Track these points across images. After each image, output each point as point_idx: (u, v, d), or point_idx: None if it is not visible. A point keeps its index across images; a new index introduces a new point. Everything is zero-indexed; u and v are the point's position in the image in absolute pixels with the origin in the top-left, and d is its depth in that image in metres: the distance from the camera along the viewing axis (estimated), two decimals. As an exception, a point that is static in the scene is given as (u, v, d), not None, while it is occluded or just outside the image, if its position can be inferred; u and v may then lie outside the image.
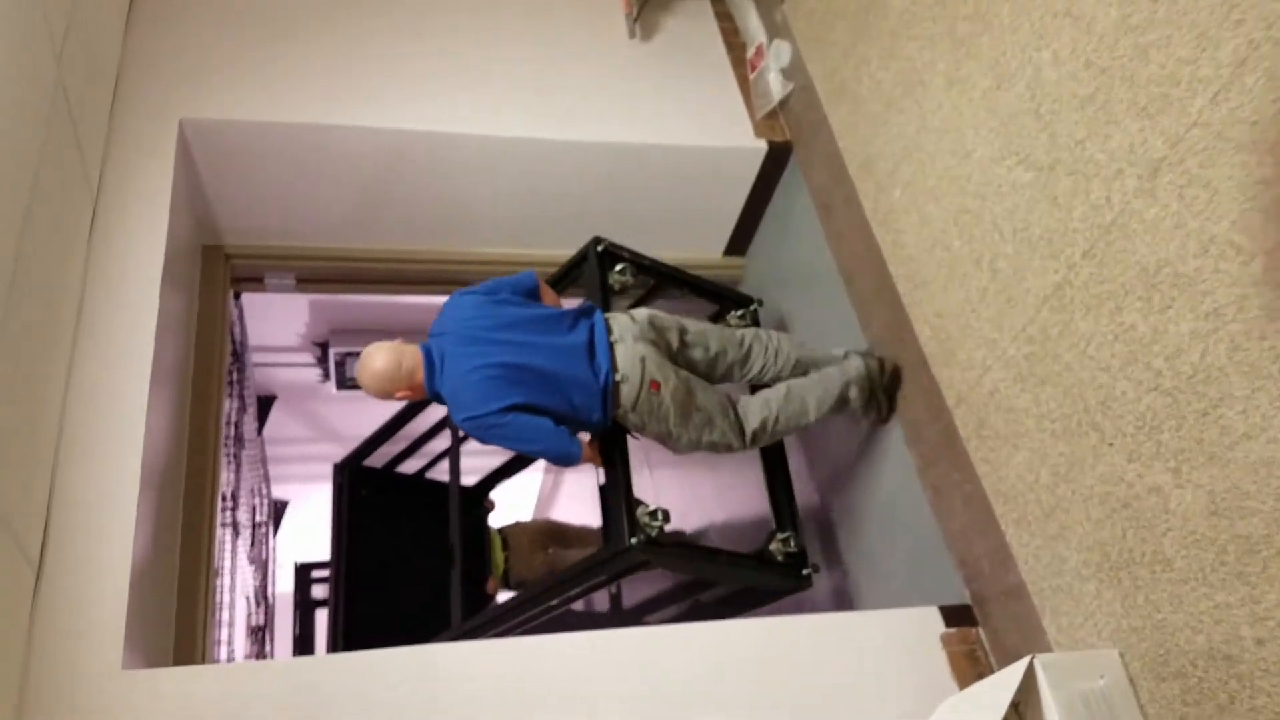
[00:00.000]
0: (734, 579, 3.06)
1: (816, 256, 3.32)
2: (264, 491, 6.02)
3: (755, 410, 2.83)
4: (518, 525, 4.48)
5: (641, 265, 3.21)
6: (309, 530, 7.17)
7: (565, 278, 3.25)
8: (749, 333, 2.99)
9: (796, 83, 3.37)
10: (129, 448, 2.30)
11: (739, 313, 3.37)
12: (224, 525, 4.64)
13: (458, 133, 3.11)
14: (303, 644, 6.04)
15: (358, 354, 2.71)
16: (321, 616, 6.20)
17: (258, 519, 5.78)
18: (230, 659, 4.08)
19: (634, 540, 2.61)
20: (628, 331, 2.70)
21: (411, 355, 2.60)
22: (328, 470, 4.33)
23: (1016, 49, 2.22)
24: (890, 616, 2.49)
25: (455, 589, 3.66)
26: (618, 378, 2.63)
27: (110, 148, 2.74)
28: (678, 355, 2.81)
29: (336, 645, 4.03)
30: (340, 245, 3.45)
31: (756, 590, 3.12)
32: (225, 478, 4.15)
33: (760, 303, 3.41)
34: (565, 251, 3.25)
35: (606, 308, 2.98)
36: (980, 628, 2.45)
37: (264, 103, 2.97)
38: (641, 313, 2.79)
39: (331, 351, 5.28)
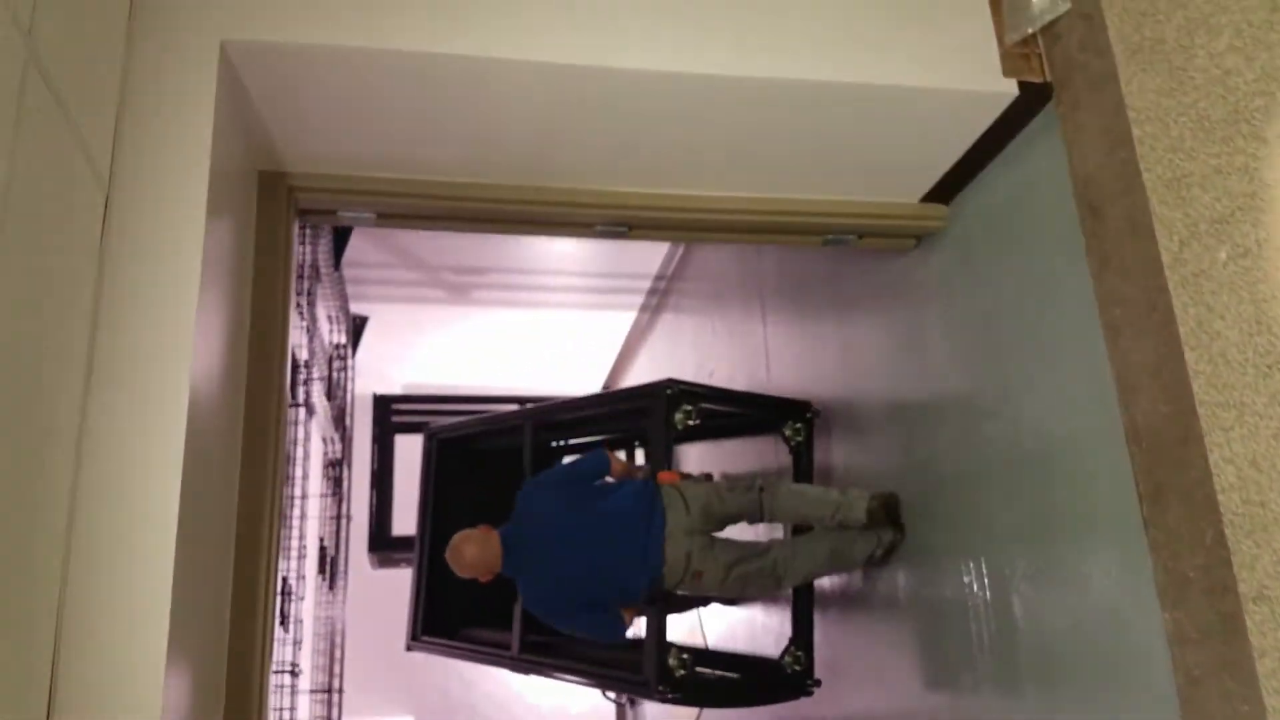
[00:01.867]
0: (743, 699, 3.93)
1: (1061, 263, 2.45)
2: (342, 316, 5.59)
3: (795, 571, 3.35)
4: None
5: (705, 406, 3.79)
6: (391, 356, 6.82)
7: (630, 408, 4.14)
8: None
9: (1075, 6, 2.34)
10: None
11: (795, 424, 3.86)
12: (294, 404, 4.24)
13: (627, 69, 2.25)
14: (380, 478, 5.86)
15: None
16: (402, 441, 6.02)
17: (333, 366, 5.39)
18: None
19: (660, 687, 3.39)
20: (679, 526, 3.16)
21: (493, 549, 3.20)
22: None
23: None
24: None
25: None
26: (665, 571, 3.15)
27: (129, 87, 1.99)
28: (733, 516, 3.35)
29: (420, 588, 4.82)
30: (433, 178, 2.69)
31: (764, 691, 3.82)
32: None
33: (818, 413, 3.86)
34: (719, 193, 2.77)
35: (668, 454, 3.71)
36: None
37: (342, 24, 2.13)
38: (696, 501, 3.22)
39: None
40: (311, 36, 2.13)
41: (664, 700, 3.46)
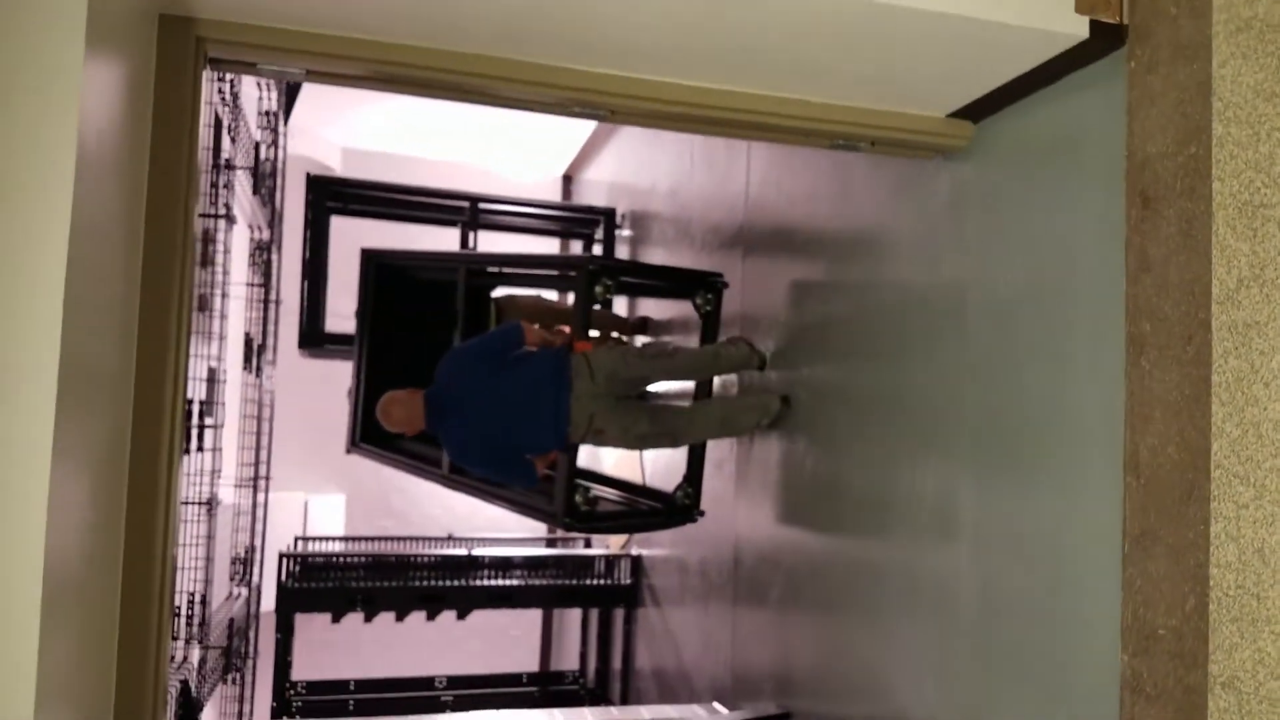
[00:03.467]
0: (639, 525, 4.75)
1: (1091, 235, 2.17)
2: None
3: (691, 433, 3.91)
4: (510, 298, 5.11)
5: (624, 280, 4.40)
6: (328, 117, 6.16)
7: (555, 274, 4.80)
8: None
9: (1182, -60, 1.90)
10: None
11: (706, 293, 4.30)
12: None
13: None
14: (313, 268, 5.50)
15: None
16: (338, 224, 5.70)
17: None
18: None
19: (566, 519, 4.04)
20: (585, 391, 3.55)
21: (417, 409, 3.57)
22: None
23: None
24: None
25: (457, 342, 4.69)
26: (570, 429, 3.57)
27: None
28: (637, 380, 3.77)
29: (358, 399, 4.96)
30: (378, 38, 2.21)
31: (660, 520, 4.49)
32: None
33: (726, 284, 4.36)
34: (716, 85, 2.39)
35: (587, 321, 4.23)
36: None
37: None
38: (602, 369, 3.59)
39: None
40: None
41: (568, 529, 4.21)
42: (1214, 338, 1.81)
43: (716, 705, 4.29)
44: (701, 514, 4.35)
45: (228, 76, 3.93)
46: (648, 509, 4.59)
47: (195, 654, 4.12)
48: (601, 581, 5.73)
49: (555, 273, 4.87)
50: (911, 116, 2.54)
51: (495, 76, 2.31)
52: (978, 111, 2.51)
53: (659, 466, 5.22)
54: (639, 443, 3.79)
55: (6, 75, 1.56)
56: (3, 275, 1.51)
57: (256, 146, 4.81)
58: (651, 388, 4.24)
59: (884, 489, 3.01)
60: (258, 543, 5.78)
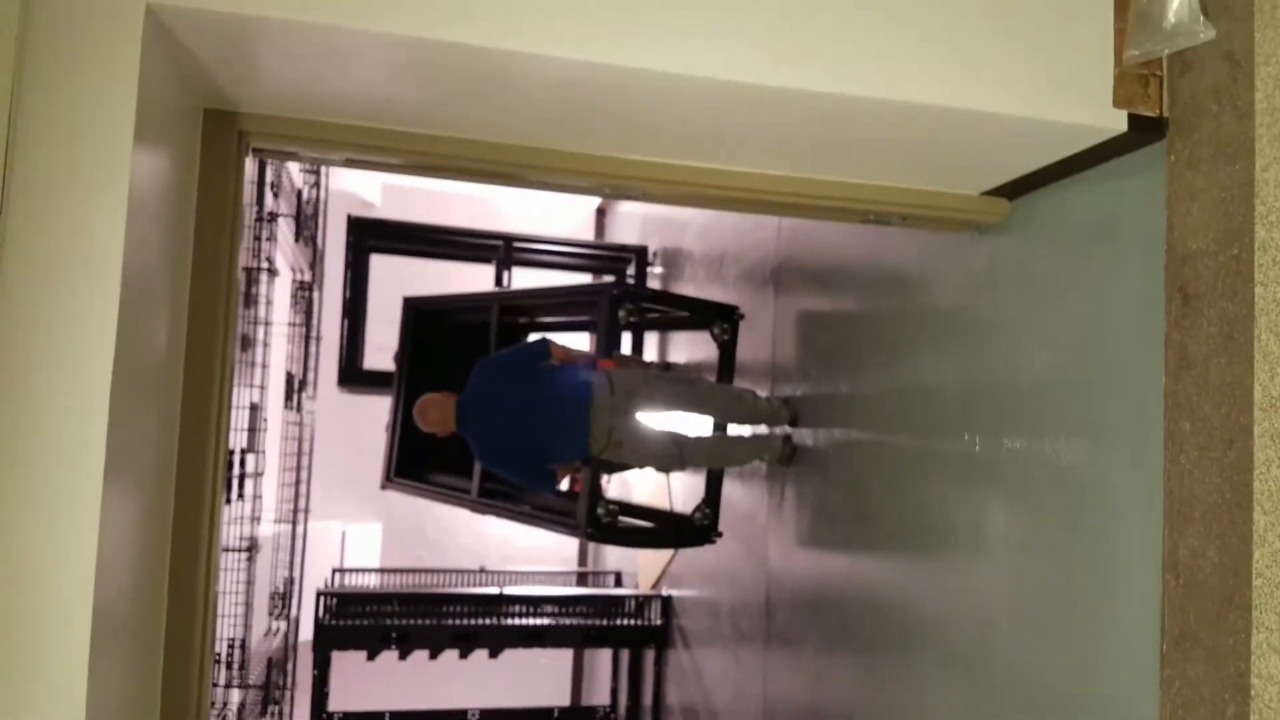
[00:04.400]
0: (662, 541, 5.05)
1: (1129, 320, 2.15)
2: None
3: (698, 461, 4.09)
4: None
5: (645, 309, 4.65)
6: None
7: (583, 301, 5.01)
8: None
9: (1219, 40, 1.89)
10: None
11: (723, 323, 4.52)
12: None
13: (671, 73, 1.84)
14: (353, 306, 5.59)
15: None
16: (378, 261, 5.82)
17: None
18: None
19: (589, 530, 4.21)
20: (605, 404, 3.72)
21: (449, 411, 3.81)
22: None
23: None
24: None
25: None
26: (590, 440, 3.71)
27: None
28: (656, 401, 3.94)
29: (394, 437, 5.18)
30: (417, 130, 2.25)
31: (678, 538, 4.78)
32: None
33: (742, 316, 4.56)
34: (749, 169, 2.41)
35: (615, 346, 4.46)
36: None
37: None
38: (622, 385, 3.79)
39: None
40: (261, 8, 1.67)
41: (589, 539, 4.48)
42: (1255, 444, 1.79)
43: (748, 757, 4.28)
44: (719, 535, 4.46)
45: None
46: (666, 528, 4.81)
47: (235, 697, 4.18)
48: (632, 622, 5.73)
49: (583, 299, 4.99)
50: (944, 195, 2.53)
51: (531, 165, 2.34)
52: (1013, 190, 2.49)
53: (688, 495, 5.25)
54: (653, 461, 3.96)
55: (62, 163, 1.63)
56: (57, 334, 1.59)
57: (299, 193, 4.89)
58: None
59: (916, 542, 3.00)
60: (296, 575, 5.87)
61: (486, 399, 3.81)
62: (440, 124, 2.23)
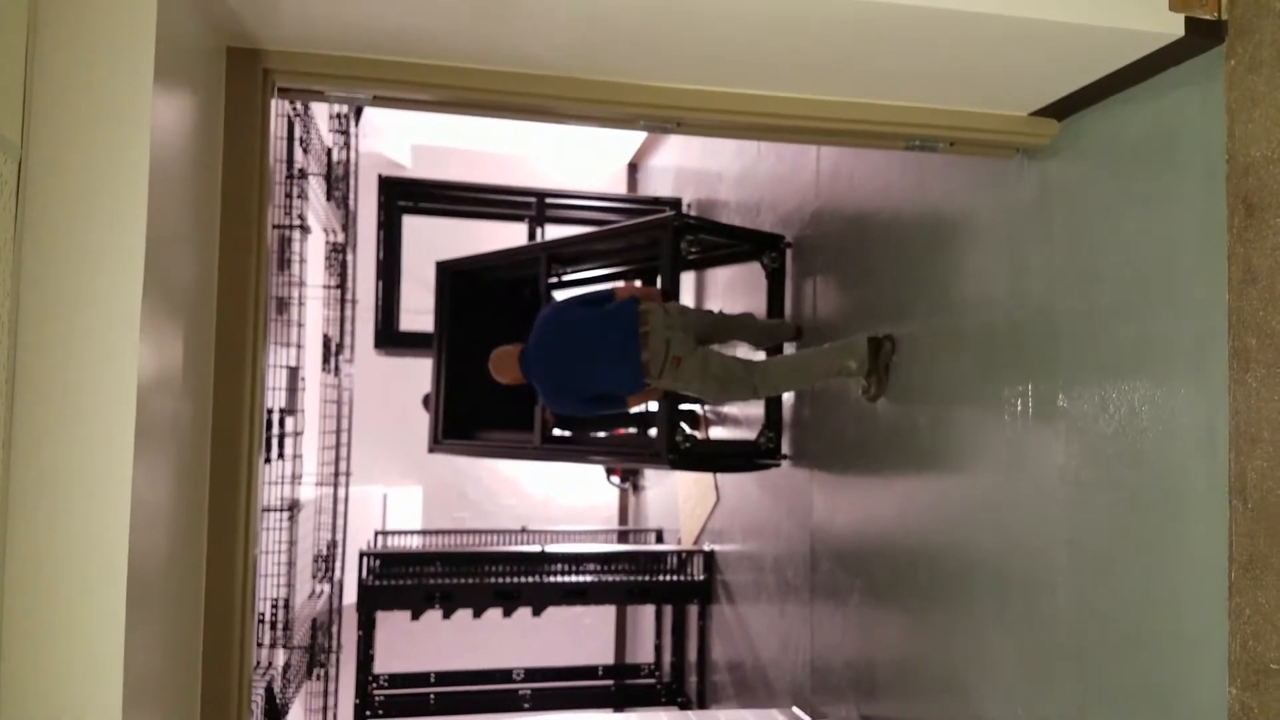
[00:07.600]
0: (732, 465, 4.92)
1: (1189, 231, 2.05)
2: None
3: (770, 380, 3.83)
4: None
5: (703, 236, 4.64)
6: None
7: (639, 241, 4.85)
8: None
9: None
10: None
11: (773, 253, 4.62)
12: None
13: None
14: (387, 267, 5.57)
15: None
16: (410, 222, 5.78)
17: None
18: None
19: (670, 455, 4.34)
20: (659, 322, 3.70)
21: (514, 360, 3.98)
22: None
23: None
24: None
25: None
26: (647, 357, 3.67)
27: None
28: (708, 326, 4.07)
29: (438, 401, 5.24)
30: (444, 63, 2.19)
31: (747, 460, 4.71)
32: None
33: (790, 244, 4.60)
34: (788, 94, 2.32)
35: (677, 277, 4.43)
36: None
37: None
38: (674, 308, 3.79)
39: None
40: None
41: (672, 466, 4.48)
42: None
43: (796, 710, 4.25)
44: (786, 457, 4.57)
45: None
46: (738, 450, 4.85)
47: (280, 657, 4.22)
48: (675, 578, 5.71)
49: (639, 239, 4.87)
50: (991, 116, 2.44)
51: (561, 97, 2.27)
52: (1062, 110, 2.39)
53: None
54: (715, 384, 3.76)
55: (83, 104, 1.59)
56: (82, 286, 1.55)
57: (329, 152, 4.85)
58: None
59: (970, 482, 2.93)
60: (339, 538, 5.91)
61: (547, 342, 3.91)
62: (468, 57, 2.18)
